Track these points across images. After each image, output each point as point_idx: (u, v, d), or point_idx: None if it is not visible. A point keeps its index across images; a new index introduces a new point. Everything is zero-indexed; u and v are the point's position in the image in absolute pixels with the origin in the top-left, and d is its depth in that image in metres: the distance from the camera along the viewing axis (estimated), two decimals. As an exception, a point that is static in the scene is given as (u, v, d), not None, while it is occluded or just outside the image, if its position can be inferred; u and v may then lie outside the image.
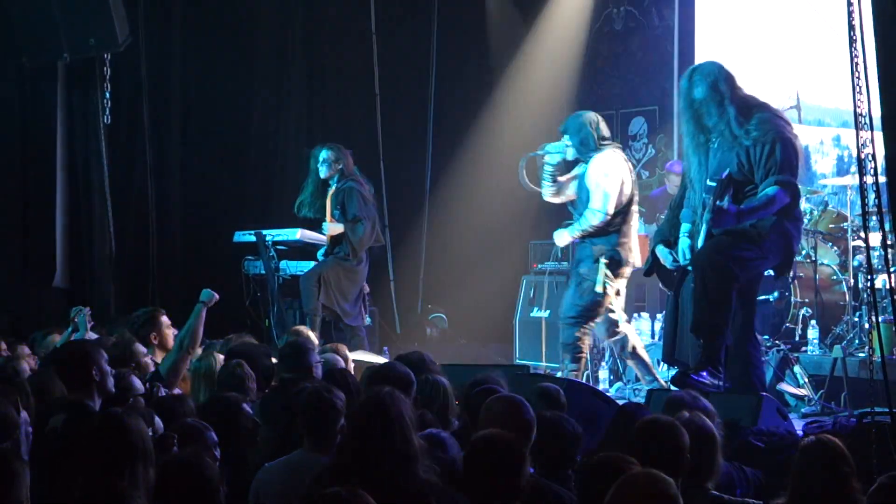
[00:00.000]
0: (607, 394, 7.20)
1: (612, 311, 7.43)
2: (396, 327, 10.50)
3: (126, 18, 9.03)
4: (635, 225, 7.54)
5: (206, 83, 10.48)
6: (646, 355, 7.62)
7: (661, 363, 7.59)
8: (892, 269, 5.98)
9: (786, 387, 7.25)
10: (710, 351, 6.00)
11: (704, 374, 5.96)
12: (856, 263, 7.85)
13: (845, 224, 8.00)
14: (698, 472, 3.89)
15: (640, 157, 10.71)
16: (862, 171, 4.87)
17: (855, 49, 4.74)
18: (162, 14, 10.14)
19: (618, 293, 7.42)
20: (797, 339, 7.86)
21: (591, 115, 7.54)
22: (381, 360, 7.26)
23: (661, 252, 6.77)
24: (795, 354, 7.49)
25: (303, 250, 9.26)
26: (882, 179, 5.16)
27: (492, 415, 4.12)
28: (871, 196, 4.81)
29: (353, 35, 10.89)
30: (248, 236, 9.31)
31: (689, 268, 6.40)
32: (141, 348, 5.94)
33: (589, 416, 5.17)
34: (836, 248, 8.18)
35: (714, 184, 6.04)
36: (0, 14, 9.05)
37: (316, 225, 9.15)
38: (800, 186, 8.35)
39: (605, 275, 7.29)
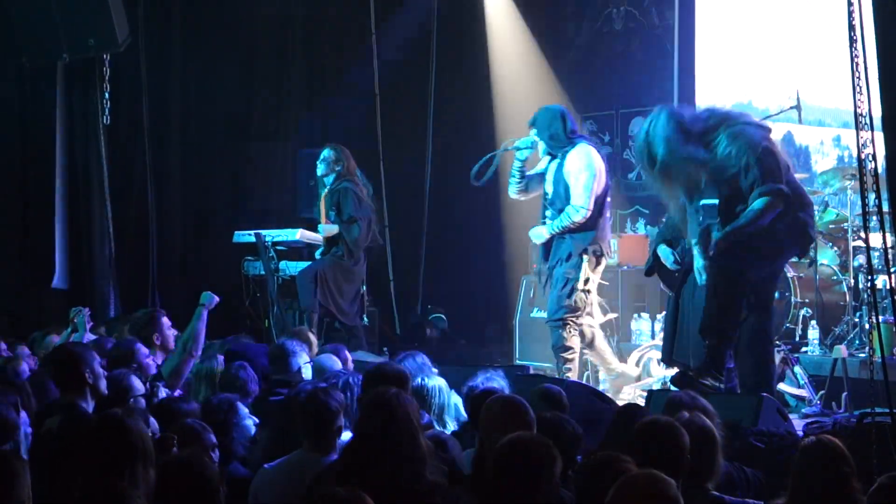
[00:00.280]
0: (607, 394, 7.20)
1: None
2: (396, 328, 10.50)
3: (126, 19, 9.03)
4: (610, 218, 7.54)
5: (206, 83, 10.48)
6: (605, 346, 7.63)
7: (661, 363, 7.59)
8: (892, 270, 5.97)
9: (786, 387, 7.25)
10: (715, 354, 5.98)
11: (706, 375, 5.96)
12: (856, 264, 7.84)
13: (845, 224, 7.99)
14: (698, 473, 3.88)
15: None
16: (862, 172, 4.87)
17: (855, 49, 4.74)
18: (162, 14, 10.14)
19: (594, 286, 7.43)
20: (797, 339, 7.86)
21: (561, 109, 7.52)
22: (380, 360, 7.26)
23: (663, 252, 6.76)
24: (796, 355, 7.49)
25: (302, 251, 9.26)
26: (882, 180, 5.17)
27: (492, 415, 4.12)
28: (872, 196, 4.81)
29: (353, 35, 10.88)
30: (247, 237, 9.32)
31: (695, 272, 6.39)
32: (142, 349, 5.94)
33: (589, 417, 5.17)
34: (836, 248, 8.18)
35: (708, 202, 6.04)
36: (0, 14, 9.05)
37: (315, 226, 9.16)
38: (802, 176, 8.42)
39: (587, 270, 7.28)
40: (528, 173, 7.63)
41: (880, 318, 6.52)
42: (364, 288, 9.19)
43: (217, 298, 6.29)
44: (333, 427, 4.19)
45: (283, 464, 4.20)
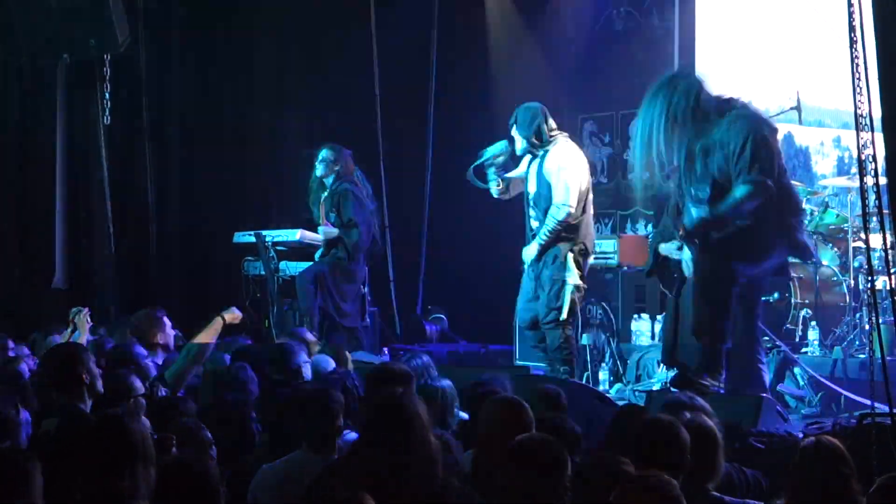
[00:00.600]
0: (607, 395, 7.21)
1: None
2: (396, 328, 10.49)
3: (126, 19, 9.03)
4: (592, 213, 7.54)
5: (206, 84, 10.48)
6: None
7: (661, 364, 7.60)
8: (892, 271, 5.97)
9: (785, 388, 7.25)
10: (711, 354, 5.98)
11: (705, 375, 5.96)
12: (856, 265, 7.84)
13: (846, 225, 7.99)
14: (699, 473, 3.88)
15: (640, 157, 10.69)
16: (862, 173, 4.87)
17: (855, 50, 4.74)
18: (162, 15, 10.14)
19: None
20: (797, 340, 7.86)
21: (541, 107, 7.52)
22: (381, 361, 7.26)
23: (667, 248, 6.76)
24: (796, 355, 7.49)
25: (303, 251, 9.26)
26: (882, 181, 5.16)
27: (491, 416, 4.12)
28: (872, 197, 4.81)
29: (353, 35, 10.88)
30: (247, 237, 9.31)
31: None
32: (140, 349, 5.94)
33: (589, 418, 5.17)
34: (836, 249, 8.18)
35: (705, 216, 6.03)
36: (0, 14, 9.05)
37: (316, 226, 9.15)
38: (799, 185, 8.42)
39: (574, 269, 7.30)
40: (508, 175, 7.61)
41: (880, 319, 6.52)
42: (366, 289, 9.19)
43: (240, 315, 6.20)
44: (333, 427, 4.19)
45: (283, 464, 4.20)
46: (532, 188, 7.49)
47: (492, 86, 10.98)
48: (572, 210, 7.26)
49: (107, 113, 9.38)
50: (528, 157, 7.55)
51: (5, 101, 9.47)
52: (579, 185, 7.32)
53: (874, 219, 4.90)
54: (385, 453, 3.53)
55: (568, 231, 7.31)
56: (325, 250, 8.90)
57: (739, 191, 5.93)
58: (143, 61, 9.73)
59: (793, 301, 7.92)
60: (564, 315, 7.32)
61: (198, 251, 10.32)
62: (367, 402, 4.04)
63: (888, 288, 6.65)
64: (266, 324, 9.07)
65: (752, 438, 5.23)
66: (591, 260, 7.51)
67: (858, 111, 4.74)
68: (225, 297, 10.18)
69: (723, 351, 5.98)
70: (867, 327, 7.12)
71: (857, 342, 7.51)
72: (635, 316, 9.03)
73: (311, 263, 8.94)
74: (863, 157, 4.83)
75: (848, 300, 7.83)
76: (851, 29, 4.75)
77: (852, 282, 7.82)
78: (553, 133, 7.44)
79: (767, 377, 6.42)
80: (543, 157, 7.40)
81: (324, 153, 8.80)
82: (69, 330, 6.64)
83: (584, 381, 8.09)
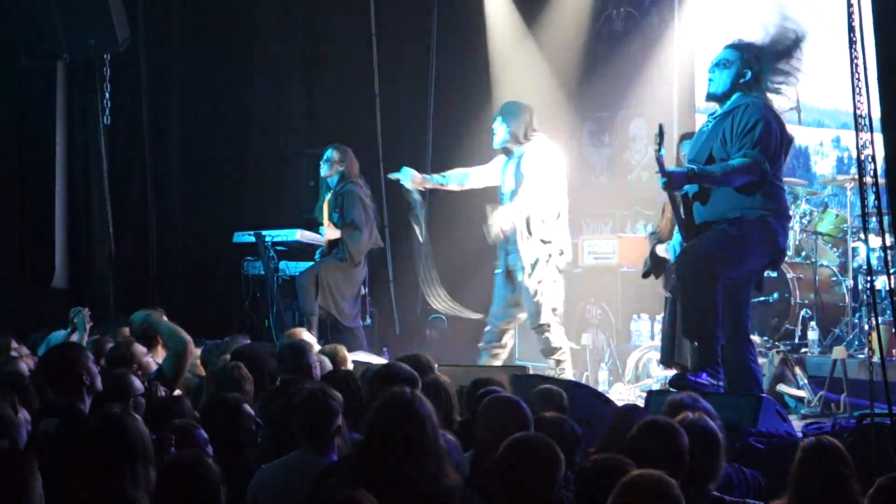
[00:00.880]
0: (607, 395, 7.20)
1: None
2: (396, 328, 10.49)
3: (126, 19, 9.03)
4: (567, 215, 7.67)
5: (206, 83, 10.47)
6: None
7: (660, 365, 7.60)
8: (891, 271, 5.98)
9: (785, 388, 7.25)
10: (706, 353, 5.97)
11: (704, 375, 5.95)
12: (855, 265, 7.85)
13: (845, 225, 7.99)
14: (700, 474, 3.88)
15: (639, 158, 10.70)
16: (862, 173, 4.87)
17: (855, 50, 4.74)
18: (161, 14, 10.14)
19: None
20: (797, 340, 7.86)
21: (529, 106, 7.56)
22: (380, 360, 7.26)
23: (667, 248, 6.76)
24: (795, 356, 7.49)
25: (302, 251, 9.26)
26: (882, 181, 5.16)
27: (489, 416, 4.12)
28: (871, 197, 4.81)
29: (353, 35, 10.88)
30: (247, 237, 9.32)
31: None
32: (141, 348, 5.94)
33: (589, 418, 5.17)
34: (835, 249, 8.18)
35: (695, 167, 6.00)
36: (0, 14, 9.05)
37: (315, 226, 9.15)
38: (798, 187, 8.42)
39: (551, 270, 7.39)
40: (463, 171, 7.88)
41: (880, 319, 6.52)
42: (366, 289, 9.20)
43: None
44: (332, 427, 4.18)
45: (281, 464, 4.20)
46: (508, 188, 7.54)
47: (491, 86, 10.97)
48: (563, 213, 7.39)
49: (107, 113, 9.38)
50: (503, 156, 7.61)
51: (5, 101, 9.46)
52: (564, 188, 7.45)
53: (873, 219, 4.90)
54: (393, 452, 3.53)
55: (550, 233, 7.38)
56: (326, 249, 8.90)
57: (736, 160, 5.91)
58: (143, 61, 9.73)
59: (792, 301, 7.92)
60: (544, 318, 7.36)
61: (198, 251, 10.31)
62: (370, 402, 4.03)
63: (888, 288, 6.66)
64: (266, 324, 9.08)
65: (752, 438, 5.23)
66: (567, 260, 7.58)
67: (858, 111, 4.75)
68: (225, 297, 10.23)
69: (717, 349, 5.98)
70: (867, 327, 7.13)
71: (857, 342, 7.52)
72: (635, 316, 9.03)
73: (311, 264, 8.94)
74: (862, 158, 4.83)
75: (847, 300, 7.83)
76: (851, 29, 4.76)
77: (851, 282, 7.82)
78: (535, 133, 7.47)
79: (760, 376, 6.41)
80: (521, 155, 7.44)
81: (328, 153, 8.80)
82: (68, 330, 6.64)
83: (583, 381, 8.11)
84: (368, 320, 9.26)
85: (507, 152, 7.59)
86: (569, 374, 7.54)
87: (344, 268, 8.75)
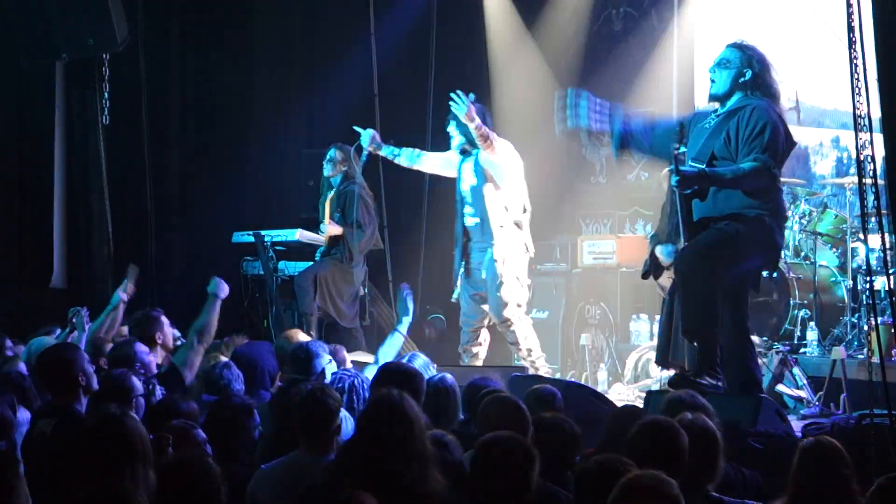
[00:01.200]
0: (606, 395, 7.21)
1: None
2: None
3: (125, 18, 9.02)
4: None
5: (206, 83, 10.47)
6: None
7: (657, 365, 7.59)
8: (891, 271, 5.98)
9: (784, 388, 7.25)
10: (706, 353, 5.97)
11: (703, 375, 5.95)
12: (855, 265, 7.85)
13: (844, 226, 7.99)
14: (699, 474, 3.87)
15: (639, 158, 10.68)
16: (861, 173, 4.87)
17: (854, 51, 4.74)
18: (161, 14, 10.13)
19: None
20: (796, 340, 7.86)
21: (482, 106, 7.63)
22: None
23: (664, 251, 6.76)
24: (794, 356, 7.49)
25: (302, 251, 9.26)
26: (881, 181, 5.17)
27: (488, 416, 4.12)
28: (871, 197, 4.81)
29: (352, 35, 10.88)
30: (246, 237, 9.31)
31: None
32: (142, 347, 5.95)
33: (588, 418, 5.17)
34: (835, 249, 8.18)
35: (699, 166, 5.98)
36: (-2, 14, 9.06)
37: (316, 225, 9.15)
38: (797, 187, 8.42)
39: (515, 265, 7.49)
40: (416, 153, 8.07)
41: (879, 319, 6.53)
42: (367, 290, 9.20)
43: (226, 286, 6.35)
44: (331, 427, 4.18)
45: (281, 464, 4.19)
46: (467, 186, 7.59)
47: (490, 86, 10.97)
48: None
49: (106, 113, 9.37)
50: (460, 156, 7.68)
51: (4, 101, 9.46)
52: (524, 184, 7.59)
53: (873, 219, 4.90)
54: (379, 452, 3.54)
55: (512, 228, 7.43)
56: (326, 248, 8.89)
57: (747, 164, 5.87)
58: (143, 61, 9.72)
59: (791, 301, 7.92)
60: (509, 312, 7.39)
61: (196, 251, 10.31)
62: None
63: (887, 288, 6.66)
64: (265, 324, 9.07)
65: (751, 439, 5.22)
66: (530, 256, 7.73)
67: (857, 111, 4.75)
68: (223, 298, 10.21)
69: (716, 349, 5.97)
70: (866, 328, 7.13)
71: (856, 342, 7.52)
72: (634, 316, 9.04)
73: (310, 264, 8.94)
74: (861, 158, 4.83)
75: (847, 300, 7.83)
76: (850, 29, 4.76)
77: (851, 282, 7.82)
78: (489, 132, 7.52)
79: (760, 375, 6.41)
80: (477, 153, 7.50)
81: (332, 153, 8.80)
82: (67, 330, 6.64)
83: (583, 381, 8.12)
84: (368, 320, 9.25)
85: (465, 152, 7.66)
86: (542, 364, 7.60)
87: (342, 268, 8.74)
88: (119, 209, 9.72)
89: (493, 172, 7.49)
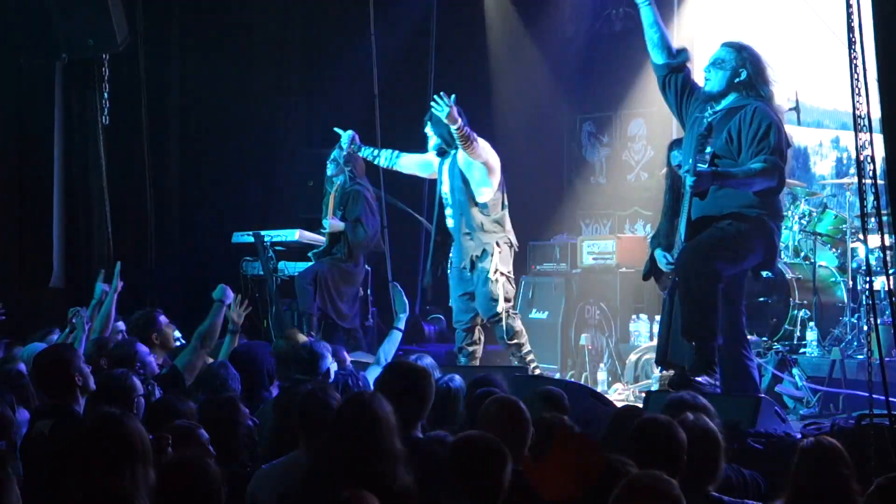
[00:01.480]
0: (606, 395, 7.21)
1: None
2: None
3: (125, 19, 9.02)
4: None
5: (206, 83, 10.47)
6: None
7: (656, 365, 7.59)
8: (890, 271, 5.98)
9: (784, 388, 7.25)
10: (704, 353, 5.97)
11: (701, 375, 5.95)
12: (854, 265, 7.85)
13: (844, 226, 7.99)
14: (700, 475, 3.87)
15: (639, 158, 10.70)
16: (861, 174, 4.87)
17: (854, 51, 4.74)
18: (161, 14, 10.13)
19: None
20: (796, 340, 7.86)
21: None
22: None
23: (658, 255, 6.78)
24: (794, 356, 7.49)
25: (301, 251, 9.26)
26: (881, 181, 5.17)
27: (489, 417, 4.12)
28: (871, 198, 4.81)
29: (352, 35, 10.88)
30: (246, 237, 9.32)
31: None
32: (143, 348, 5.95)
33: (587, 418, 5.17)
34: (834, 249, 8.18)
35: (718, 167, 5.97)
36: (-3, 14, 9.06)
37: (315, 226, 9.14)
38: (797, 188, 8.42)
39: (500, 260, 7.49)
40: (395, 155, 8.11)
41: (878, 319, 6.52)
42: (369, 291, 9.21)
43: (232, 294, 6.37)
44: (331, 427, 4.18)
45: (281, 464, 4.19)
46: (446, 187, 7.61)
47: (491, 86, 10.98)
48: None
49: (105, 113, 9.37)
50: (438, 158, 7.70)
51: (4, 101, 9.45)
52: (502, 181, 7.59)
53: (873, 219, 4.90)
54: (348, 450, 3.57)
55: (494, 226, 7.43)
56: (326, 247, 8.89)
57: (757, 164, 5.88)
58: (143, 61, 9.72)
59: (791, 301, 7.92)
60: (500, 307, 7.39)
61: (196, 252, 10.31)
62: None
63: (886, 289, 6.66)
64: (265, 324, 9.07)
65: (751, 439, 5.22)
66: (516, 250, 7.74)
67: (857, 112, 4.75)
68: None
69: (714, 349, 5.97)
70: (865, 328, 7.13)
71: (856, 343, 7.52)
72: (634, 316, 9.04)
73: (310, 264, 8.94)
74: (861, 158, 4.83)
75: (846, 301, 7.83)
76: (850, 30, 4.76)
77: (850, 282, 7.82)
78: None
79: (758, 375, 6.41)
80: (455, 154, 7.52)
81: (335, 153, 8.81)
82: (67, 331, 6.64)
83: (582, 382, 8.11)
84: (370, 320, 9.25)
85: (443, 153, 7.68)
86: (531, 359, 7.61)
87: (343, 268, 8.75)
88: (119, 209, 9.72)
89: (473, 172, 7.52)
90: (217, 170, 10.54)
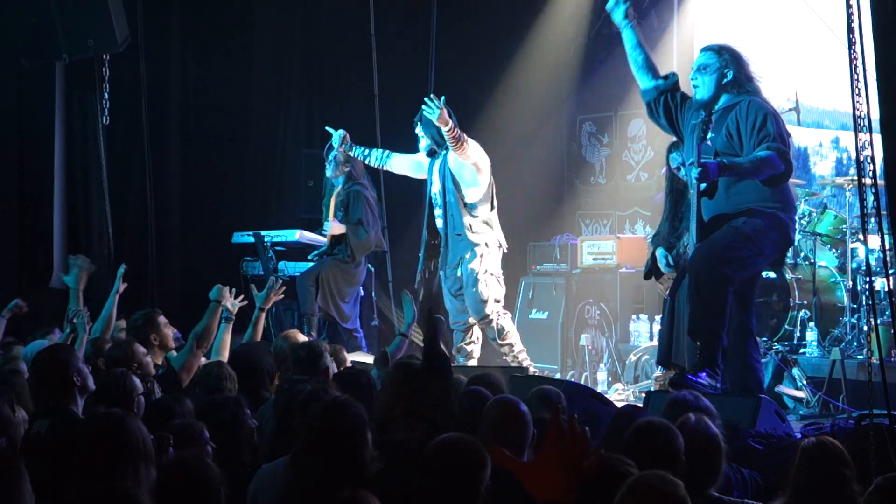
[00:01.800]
0: (606, 395, 7.21)
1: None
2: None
3: (125, 19, 9.03)
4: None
5: (206, 84, 10.48)
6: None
7: (657, 365, 7.60)
8: (890, 272, 5.98)
9: (784, 389, 7.25)
10: (707, 353, 5.96)
11: (703, 375, 5.95)
12: (854, 266, 7.85)
13: (844, 226, 8.00)
14: (701, 477, 3.86)
15: (639, 158, 10.70)
16: (861, 174, 4.88)
17: (854, 51, 4.75)
18: (161, 15, 10.14)
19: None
20: (796, 341, 7.86)
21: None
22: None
23: (659, 253, 6.79)
24: (794, 356, 7.49)
25: (302, 251, 9.26)
26: (881, 182, 5.17)
27: (489, 416, 4.12)
28: (870, 198, 4.82)
29: (352, 36, 10.89)
30: (246, 237, 9.32)
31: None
32: (141, 349, 5.95)
33: (587, 418, 5.16)
34: (834, 250, 8.18)
35: (724, 159, 5.95)
36: (-2, 14, 9.06)
37: (315, 226, 9.15)
38: (797, 188, 8.42)
39: (489, 260, 7.53)
40: (387, 154, 8.22)
41: (878, 320, 6.53)
42: (373, 291, 9.23)
43: (227, 292, 6.39)
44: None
45: (281, 464, 4.19)
46: (436, 188, 7.63)
47: (491, 86, 10.97)
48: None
49: (106, 113, 9.37)
50: (429, 158, 7.72)
51: (4, 101, 9.46)
52: (492, 182, 7.61)
53: (872, 220, 4.91)
54: (319, 453, 3.59)
55: (483, 227, 7.44)
56: (328, 248, 8.89)
57: (762, 152, 5.84)
58: (143, 61, 9.72)
59: (791, 302, 7.92)
60: (489, 308, 7.39)
61: (196, 252, 10.32)
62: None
63: (886, 289, 6.67)
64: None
65: (751, 439, 5.22)
66: (503, 251, 7.75)
67: (857, 112, 4.75)
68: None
69: (719, 350, 5.96)
70: (865, 328, 7.13)
71: (856, 343, 7.52)
72: (634, 316, 9.04)
73: (310, 264, 8.94)
74: (861, 159, 4.84)
75: (846, 301, 7.83)
76: (850, 30, 4.76)
77: (850, 283, 7.82)
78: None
79: (763, 376, 6.41)
80: (445, 155, 7.53)
81: (331, 152, 8.81)
82: (67, 331, 6.64)
83: (582, 382, 8.11)
84: (376, 321, 9.27)
85: (433, 154, 7.70)
86: (524, 358, 7.62)
87: (344, 269, 8.75)
88: (119, 209, 9.73)
89: (463, 173, 7.54)
90: (217, 170, 10.54)
